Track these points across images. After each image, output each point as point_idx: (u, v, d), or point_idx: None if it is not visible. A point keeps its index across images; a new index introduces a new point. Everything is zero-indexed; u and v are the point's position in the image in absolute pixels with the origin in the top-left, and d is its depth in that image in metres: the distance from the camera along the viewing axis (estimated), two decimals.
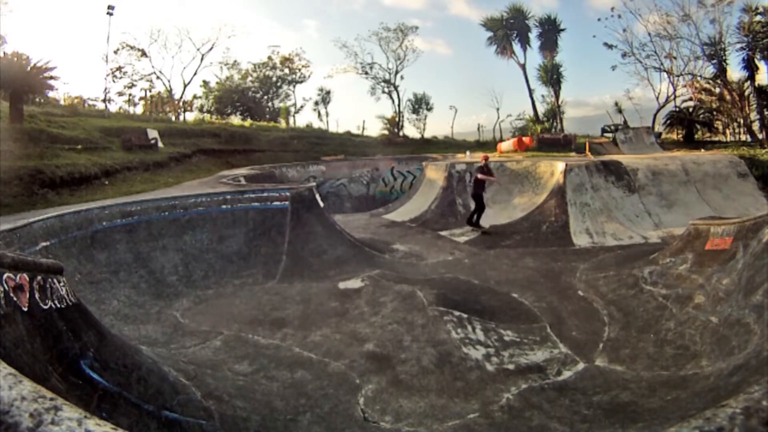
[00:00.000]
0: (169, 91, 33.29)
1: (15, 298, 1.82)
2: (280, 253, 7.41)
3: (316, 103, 37.46)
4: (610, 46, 28.42)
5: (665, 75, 27.10)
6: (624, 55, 27.93)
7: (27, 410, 0.82)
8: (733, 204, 10.33)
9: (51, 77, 15.61)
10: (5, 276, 1.81)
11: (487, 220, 10.93)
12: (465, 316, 4.96)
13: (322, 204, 9.11)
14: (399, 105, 34.24)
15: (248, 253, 7.39)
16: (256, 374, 3.79)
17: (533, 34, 32.25)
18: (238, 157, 21.82)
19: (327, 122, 37.00)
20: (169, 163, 16.98)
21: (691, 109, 24.90)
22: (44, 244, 5.15)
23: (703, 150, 17.54)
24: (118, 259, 6.27)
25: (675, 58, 26.08)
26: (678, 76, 26.11)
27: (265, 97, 38.71)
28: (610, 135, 25.18)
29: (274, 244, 7.57)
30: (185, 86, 32.83)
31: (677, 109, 25.54)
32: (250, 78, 38.30)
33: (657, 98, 27.71)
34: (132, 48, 31.57)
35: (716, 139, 24.31)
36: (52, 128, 15.25)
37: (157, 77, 32.79)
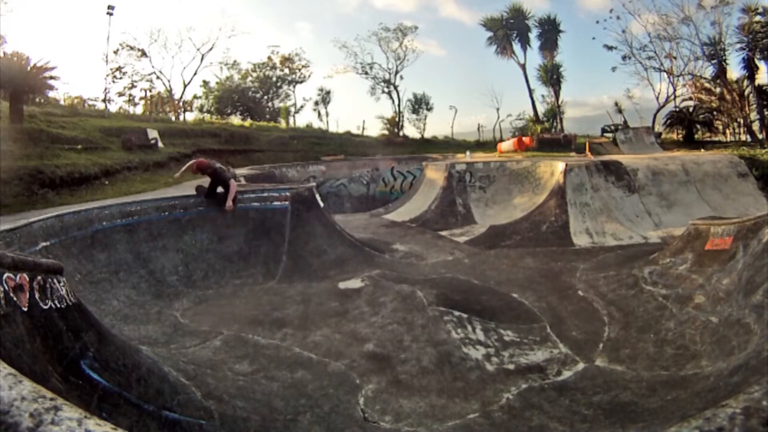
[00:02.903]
0: (169, 91, 33.29)
1: (15, 298, 1.82)
2: (280, 253, 7.40)
3: (316, 103, 37.52)
4: (611, 48, 28.50)
5: (665, 75, 27.17)
6: (624, 57, 28.01)
7: (27, 410, 0.82)
8: (733, 204, 10.33)
9: (51, 77, 15.61)
10: (5, 276, 1.81)
11: (487, 220, 10.93)
12: (465, 316, 4.95)
13: (322, 204, 9.11)
14: (399, 105, 34.27)
15: (248, 253, 7.37)
16: (256, 374, 3.79)
17: (533, 34, 32.31)
18: (238, 157, 21.81)
19: (327, 122, 37.04)
20: (169, 163, 16.97)
21: (691, 109, 24.91)
22: (44, 244, 5.14)
23: (703, 150, 17.55)
24: (118, 259, 6.26)
25: (675, 58, 26.16)
26: (678, 76, 26.16)
27: (265, 97, 38.72)
28: (610, 135, 25.21)
29: (274, 244, 7.56)
30: (185, 86, 32.84)
31: (677, 109, 25.56)
32: (250, 78, 38.30)
33: (657, 98, 27.77)
34: (132, 48, 31.59)
35: (716, 139, 24.33)
36: (52, 128, 15.25)
37: (157, 77, 32.82)
